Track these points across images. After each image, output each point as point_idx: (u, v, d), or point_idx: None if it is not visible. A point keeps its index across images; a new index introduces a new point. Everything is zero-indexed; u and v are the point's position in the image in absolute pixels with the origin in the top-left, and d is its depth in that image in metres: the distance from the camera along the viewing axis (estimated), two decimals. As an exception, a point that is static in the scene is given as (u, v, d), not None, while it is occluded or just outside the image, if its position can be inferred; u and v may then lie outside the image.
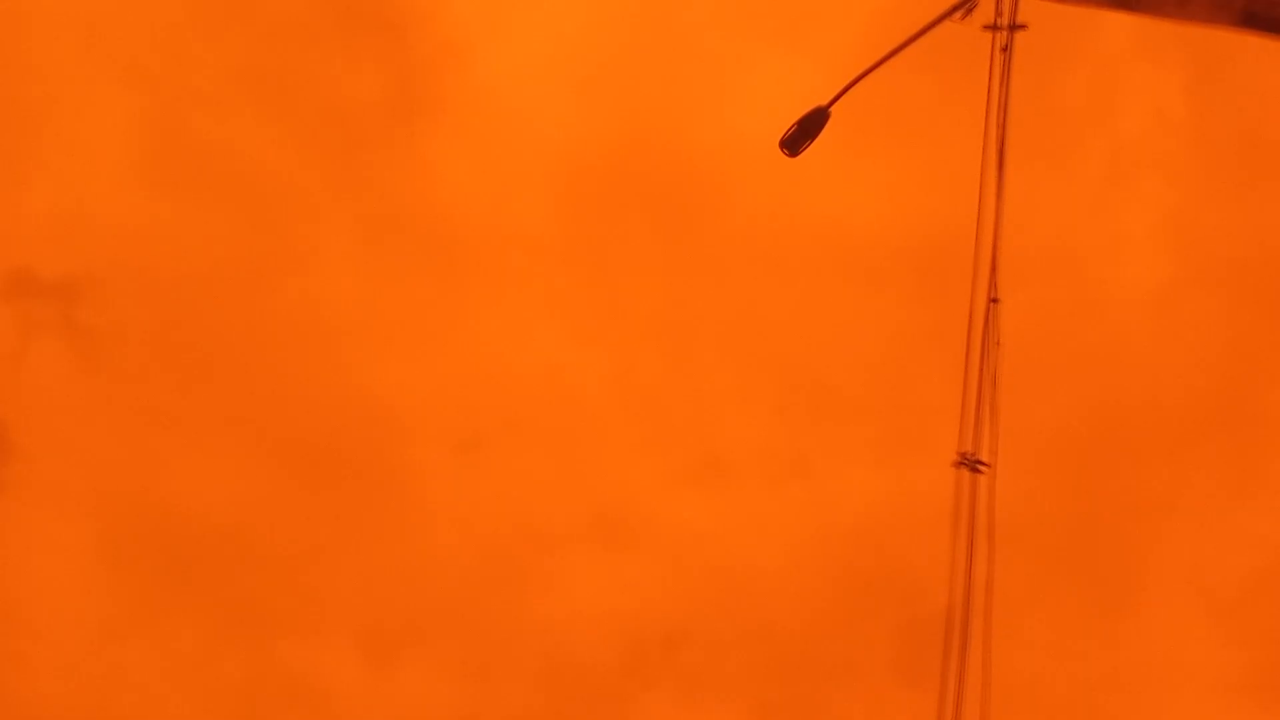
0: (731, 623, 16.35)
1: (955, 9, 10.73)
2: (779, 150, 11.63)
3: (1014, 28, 10.93)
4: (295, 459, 16.11)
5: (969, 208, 11.87)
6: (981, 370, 11.69)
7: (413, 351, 16.36)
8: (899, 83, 12.35)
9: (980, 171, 11.70)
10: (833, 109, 11.54)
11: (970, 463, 11.81)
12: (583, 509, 16.43)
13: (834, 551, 15.95)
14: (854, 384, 16.32)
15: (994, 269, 11.54)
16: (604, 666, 16.23)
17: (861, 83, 11.69)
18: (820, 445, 16.31)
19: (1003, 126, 11.27)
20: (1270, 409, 16.28)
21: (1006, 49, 11.02)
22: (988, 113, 11.33)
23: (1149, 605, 16.11)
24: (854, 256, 16.02)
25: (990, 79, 11.17)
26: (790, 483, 16.36)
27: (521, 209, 16.52)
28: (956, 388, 12.06)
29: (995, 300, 11.61)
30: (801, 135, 11.55)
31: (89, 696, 15.79)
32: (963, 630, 12.40)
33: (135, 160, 16.02)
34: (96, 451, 15.94)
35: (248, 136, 16.02)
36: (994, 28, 10.95)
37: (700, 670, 16.36)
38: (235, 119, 16.03)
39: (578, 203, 16.43)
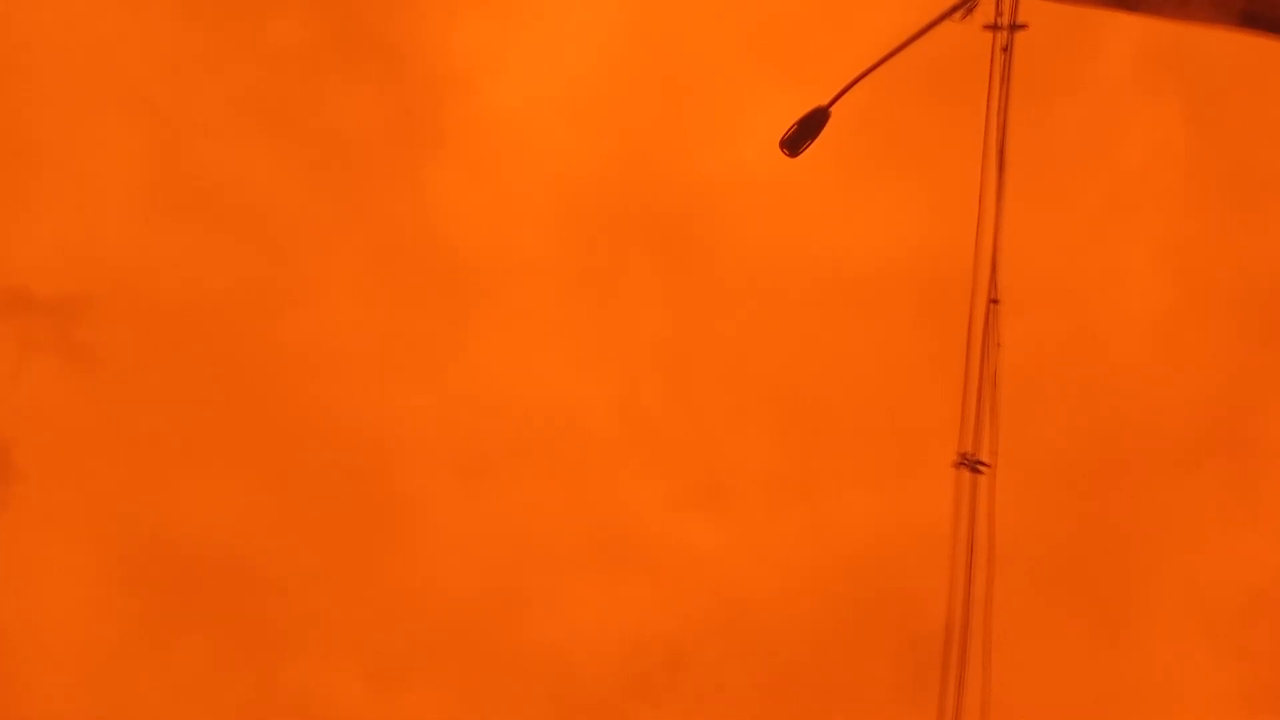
0: (733, 644, 16.36)
1: (955, 9, 10.83)
2: (779, 151, 11.69)
3: (1014, 27, 11.01)
4: (299, 483, 16.12)
5: (969, 227, 11.96)
6: (982, 370, 11.74)
7: (416, 378, 16.40)
8: (897, 98, 12.52)
9: (980, 189, 11.77)
10: (833, 117, 11.65)
11: (970, 463, 11.85)
12: (586, 533, 16.46)
13: (835, 573, 15.96)
14: (854, 407, 16.37)
15: (994, 268, 11.59)
16: (607, 688, 16.22)
17: (862, 102, 11.80)
18: (821, 468, 16.35)
19: (1003, 129, 11.35)
20: (1268, 434, 16.35)
21: (1007, 49, 11.11)
22: (988, 119, 11.40)
23: (1147, 626, 16.12)
24: (854, 281, 16.09)
25: (990, 81, 11.25)
26: (791, 506, 16.40)
27: (524, 237, 16.61)
28: (955, 408, 12.14)
29: (995, 301, 11.66)
30: (802, 135, 11.62)
31: (91, 718, 15.78)
32: (962, 651, 12.44)
33: (138, 186, 16.10)
34: (97, 472, 15.92)
35: (250, 164, 16.09)
36: (994, 27, 11.03)
37: (702, 691, 16.34)
38: (238, 147, 16.11)
39: (580, 231, 16.53)
